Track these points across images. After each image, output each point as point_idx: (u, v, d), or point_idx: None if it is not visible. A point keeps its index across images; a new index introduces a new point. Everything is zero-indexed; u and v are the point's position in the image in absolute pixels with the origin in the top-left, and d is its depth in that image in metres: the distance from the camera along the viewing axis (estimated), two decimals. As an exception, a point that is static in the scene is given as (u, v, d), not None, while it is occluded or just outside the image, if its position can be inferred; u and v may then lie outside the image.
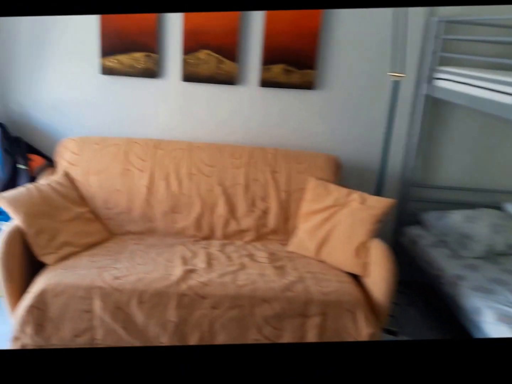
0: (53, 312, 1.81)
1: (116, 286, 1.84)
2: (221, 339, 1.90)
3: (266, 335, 1.92)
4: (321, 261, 2.29)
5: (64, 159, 2.41)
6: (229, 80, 2.62)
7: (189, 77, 2.59)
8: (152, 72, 2.56)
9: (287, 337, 1.93)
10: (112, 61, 2.52)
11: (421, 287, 2.83)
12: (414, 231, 2.77)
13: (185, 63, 2.57)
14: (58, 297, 1.81)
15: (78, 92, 2.58)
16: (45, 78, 2.54)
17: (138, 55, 2.51)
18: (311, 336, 1.93)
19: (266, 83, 2.65)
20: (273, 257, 2.27)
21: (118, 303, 1.83)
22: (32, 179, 2.37)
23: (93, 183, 2.38)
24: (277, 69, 2.64)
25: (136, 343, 1.86)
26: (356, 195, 2.39)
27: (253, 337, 1.92)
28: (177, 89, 2.63)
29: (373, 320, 2.00)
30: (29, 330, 1.79)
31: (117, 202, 2.39)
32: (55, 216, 2.14)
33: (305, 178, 2.54)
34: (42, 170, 2.44)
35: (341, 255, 2.24)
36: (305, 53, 2.63)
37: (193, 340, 1.88)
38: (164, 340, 1.86)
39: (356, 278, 2.19)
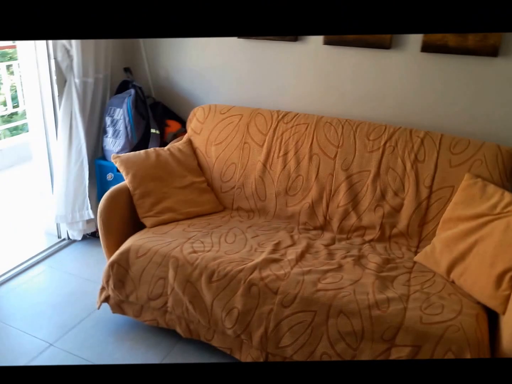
0: (134, 272, 2.08)
1: (189, 260, 1.99)
2: (286, 341, 1.86)
3: (339, 352, 1.79)
4: (451, 282, 1.98)
5: (190, 126, 2.67)
6: (380, 43, 2.44)
7: (332, 40, 2.52)
8: (290, 36, 2.58)
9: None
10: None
11: None
12: None
13: (328, 25, 2.49)
14: (139, 259, 2.07)
15: (217, 58, 2.80)
16: (188, 43, 2.83)
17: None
18: (394, 370, 1.71)
19: (429, 47, 2.36)
20: (386, 265, 2.07)
21: (188, 277, 1.98)
22: (164, 144, 2.71)
23: (212, 153, 2.58)
24: (443, 31, 2.31)
25: (202, 320, 1.99)
26: (523, 205, 1.96)
27: (322, 349, 1.82)
28: (318, 53, 2.58)
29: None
30: (111, 283, 2.11)
31: (232, 176, 2.54)
32: (167, 181, 2.41)
33: (459, 174, 2.21)
34: (174, 136, 2.77)
35: (477, 279, 1.90)
36: (489, 8, 2.23)
37: (256, 334, 1.90)
38: (228, 325, 1.94)
39: (491, 314, 1.83)
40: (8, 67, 4.48)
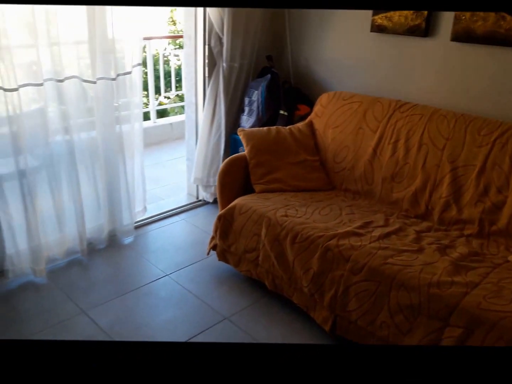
0: (236, 226, 2.49)
1: (279, 221, 2.33)
2: (352, 306, 2.08)
3: (396, 322, 1.96)
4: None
5: (314, 110, 2.98)
6: (510, 40, 2.45)
7: (460, 36, 2.59)
8: (420, 30, 2.71)
9: (417, 334, 1.90)
10: (382, 18, 2.84)
11: None
12: None
13: (458, 18, 2.58)
14: (241, 215, 2.47)
15: (351, 49, 3.05)
16: (327, 35, 3.14)
17: (408, 11, 2.73)
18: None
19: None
20: (470, 257, 2.14)
21: (277, 236, 2.32)
22: (291, 124, 3.07)
23: (329, 135, 2.86)
24: None
25: (284, 276, 2.31)
26: None
27: (383, 318, 2.00)
28: (445, 49, 2.68)
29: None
30: (218, 234, 2.55)
31: (344, 158, 2.79)
32: (282, 156, 2.77)
33: None
34: (302, 118, 3.11)
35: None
36: None
37: (327, 295, 2.15)
38: (305, 284, 2.22)
39: None
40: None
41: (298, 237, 2.26)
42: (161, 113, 5.30)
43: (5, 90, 2.28)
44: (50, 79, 2.47)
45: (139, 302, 2.45)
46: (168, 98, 5.55)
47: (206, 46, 3.12)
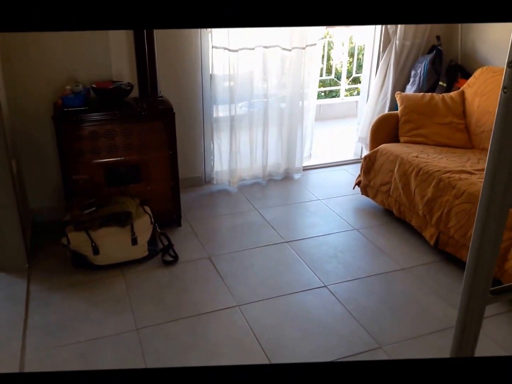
0: (377, 165, 3.51)
1: (410, 160, 3.29)
2: (452, 223, 2.95)
3: (481, 235, 2.77)
4: None
5: (467, 81, 3.80)
6: None
7: None
8: None
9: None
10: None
11: None
12: None
13: None
14: (382, 156, 3.48)
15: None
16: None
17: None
18: None
19: None
20: None
21: (405, 171, 3.28)
22: (448, 95, 3.92)
23: (475, 103, 3.67)
24: None
25: (407, 202, 3.25)
26: None
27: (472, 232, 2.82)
28: None
29: None
30: (362, 171, 3.60)
31: (485, 122, 3.57)
32: (430, 116, 3.68)
33: None
34: (458, 90, 3.94)
35: None
36: None
37: (435, 215, 3.04)
38: (420, 207, 3.14)
39: None
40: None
41: (420, 172, 3.19)
42: (353, 93, 6.49)
43: (230, 50, 3.68)
44: (259, 46, 3.81)
45: (294, 210, 3.73)
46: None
47: (383, 27, 4.16)
